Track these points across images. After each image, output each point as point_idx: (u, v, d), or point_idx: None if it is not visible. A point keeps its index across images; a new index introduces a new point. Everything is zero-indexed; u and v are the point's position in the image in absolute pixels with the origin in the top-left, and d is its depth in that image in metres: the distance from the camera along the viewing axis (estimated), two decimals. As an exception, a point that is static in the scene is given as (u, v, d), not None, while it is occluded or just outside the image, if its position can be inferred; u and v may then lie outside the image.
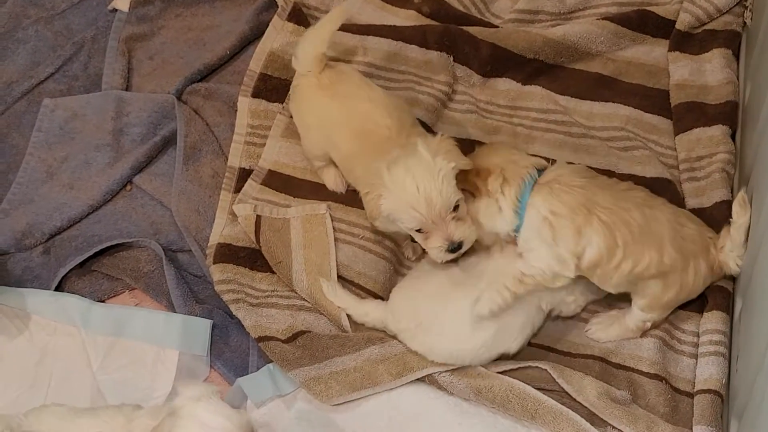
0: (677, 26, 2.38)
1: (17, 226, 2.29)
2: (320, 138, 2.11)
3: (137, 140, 2.44)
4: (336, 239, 2.12)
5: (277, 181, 2.27)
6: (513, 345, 1.92)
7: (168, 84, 2.53)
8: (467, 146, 2.10)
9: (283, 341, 2.01)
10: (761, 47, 2.11)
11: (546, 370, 1.90)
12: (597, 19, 2.44)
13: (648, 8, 2.43)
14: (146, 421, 1.67)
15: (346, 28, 2.43)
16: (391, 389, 1.93)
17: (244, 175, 2.29)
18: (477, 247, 1.95)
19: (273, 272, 2.14)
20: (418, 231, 1.86)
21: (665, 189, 2.12)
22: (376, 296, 2.06)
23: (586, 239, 1.80)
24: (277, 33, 2.50)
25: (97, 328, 2.11)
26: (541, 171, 1.88)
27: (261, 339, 2.02)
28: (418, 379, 1.92)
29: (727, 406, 1.86)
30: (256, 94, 2.41)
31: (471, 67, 2.42)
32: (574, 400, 1.87)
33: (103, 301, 2.19)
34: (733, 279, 1.97)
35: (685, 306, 1.97)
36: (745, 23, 2.36)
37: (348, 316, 2.02)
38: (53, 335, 2.12)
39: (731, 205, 1.89)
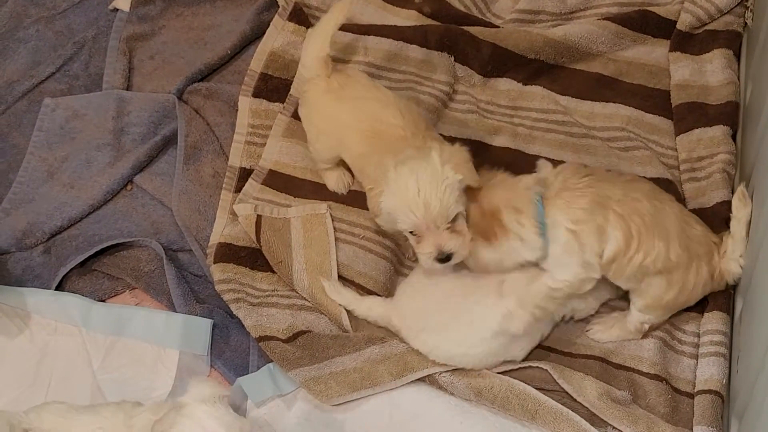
0: (678, 26, 2.38)
1: (18, 225, 2.30)
2: (332, 141, 2.11)
3: (138, 140, 2.44)
4: (336, 239, 2.12)
5: (278, 180, 2.27)
6: (520, 354, 1.92)
7: (169, 84, 2.54)
8: (468, 146, 2.10)
9: (284, 341, 2.01)
10: (762, 47, 2.11)
11: (546, 370, 1.90)
12: (598, 19, 2.44)
13: (649, 8, 2.43)
14: (148, 416, 1.67)
15: (347, 27, 2.44)
16: (392, 389, 1.93)
17: (244, 174, 2.29)
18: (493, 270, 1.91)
19: (273, 272, 2.14)
20: (412, 233, 1.86)
21: (666, 189, 2.09)
22: (376, 296, 2.05)
23: (606, 236, 1.79)
24: (278, 33, 2.50)
25: (97, 328, 2.11)
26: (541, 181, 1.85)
27: (261, 339, 2.02)
28: (418, 379, 1.92)
29: (728, 407, 1.86)
30: (256, 94, 2.41)
31: (472, 67, 2.42)
32: (575, 400, 1.87)
33: (103, 301, 2.19)
34: (734, 279, 1.97)
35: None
36: (746, 23, 2.36)
37: (349, 314, 2.02)
38: (54, 335, 2.12)
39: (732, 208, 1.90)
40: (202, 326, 2.08)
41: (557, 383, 1.89)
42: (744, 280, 1.89)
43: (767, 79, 1.98)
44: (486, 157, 2.12)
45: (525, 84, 2.40)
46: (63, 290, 2.19)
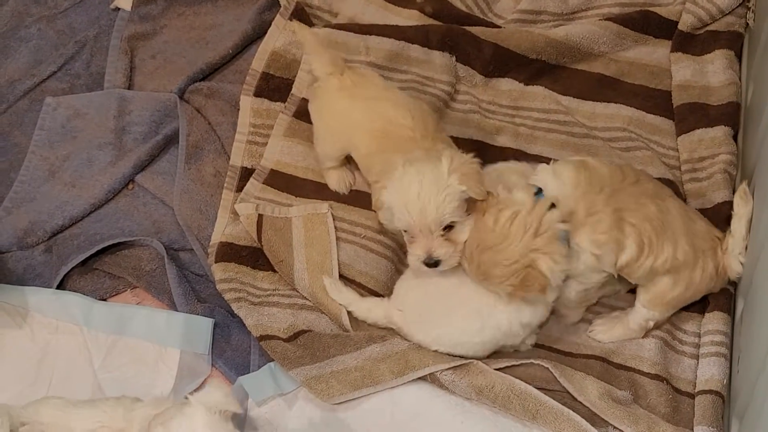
0: (680, 27, 2.38)
1: (19, 224, 2.30)
2: (341, 139, 2.11)
3: (139, 139, 2.44)
4: (337, 238, 2.12)
5: (279, 180, 2.27)
6: (517, 340, 1.93)
7: (170, 83, 2.54)
8: (469, 146, 2.11)
9: (285, 340, 2.02)
10: (764, 48, 2.11)
11: (548, 368, 1.90)
12: (599, 19, 2.44)
13: (651, 9, 2.43)
14: (148, 411, 1.67)
15: (348, 27, 2.44)
16: (393, 387, 1.93)
17: (246, 174, 2.29)
18: None
19: (274, 271, 2.14)
20: (406, 232, 1.87)
21: (667, 190, 2.12)
22: (377, 295, 2.06)
23: (623, 247, 1.82)
24: (280, 32, 2.50)
25: (98, 327, 2.11)
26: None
27: (262, 338, 2.02)
28: (419, 378, 1.92)
29: (728, 407, 1.86)
30: (258, 94, 2.41)
31: (473, 67, 2.42)
32: (575, 400, 1.87)
33: (104, 300, 2.19)
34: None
35: (687, 307, 1.97)
36: (747, 24, 2.36)
37: (349, 314, 2.02)
38: (55, 333, 2.12)
39: (733, 206, 1.90)
40: (203, 325, 2.08)
41: (558, 382, 1.89)
42: (745, 280, 1.89)
43: (768, 79, 1.98)
44: (488, 157, 2.11)
45: (526, 84, 2.40)
46: (64, 289, 2.19)
